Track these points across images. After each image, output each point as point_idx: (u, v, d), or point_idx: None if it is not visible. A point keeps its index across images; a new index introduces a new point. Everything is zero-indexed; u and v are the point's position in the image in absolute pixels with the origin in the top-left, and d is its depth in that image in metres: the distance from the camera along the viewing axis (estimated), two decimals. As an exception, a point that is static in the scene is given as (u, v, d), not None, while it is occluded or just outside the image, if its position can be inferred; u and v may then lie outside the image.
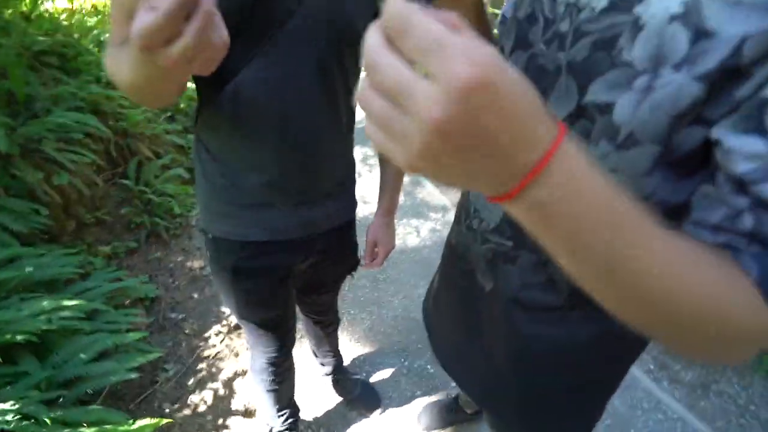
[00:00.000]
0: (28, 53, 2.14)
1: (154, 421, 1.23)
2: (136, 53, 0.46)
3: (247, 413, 1.59)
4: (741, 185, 0.35)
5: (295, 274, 1.03)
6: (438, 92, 0.21)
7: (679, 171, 0.42)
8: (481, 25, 0.63)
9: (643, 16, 0.38)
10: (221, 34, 0.44)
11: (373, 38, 0.24)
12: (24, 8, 2.47)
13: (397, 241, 1.19)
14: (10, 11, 2.34)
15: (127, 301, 1.86)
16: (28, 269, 1.55)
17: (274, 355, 1.16)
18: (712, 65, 0.34)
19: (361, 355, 1.83)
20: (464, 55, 0.21)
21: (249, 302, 1.02)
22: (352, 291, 2.12)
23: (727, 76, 0.34)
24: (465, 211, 0.69)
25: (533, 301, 0.62)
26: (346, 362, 1.69)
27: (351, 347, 1.85)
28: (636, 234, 0.30)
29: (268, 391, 1.28)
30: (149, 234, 2.31)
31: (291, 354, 1.25)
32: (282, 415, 1.36)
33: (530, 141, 0.25)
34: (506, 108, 0.23)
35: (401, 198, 1.38)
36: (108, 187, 2.39)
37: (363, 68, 0.25)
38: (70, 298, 1.50)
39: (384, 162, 1.08)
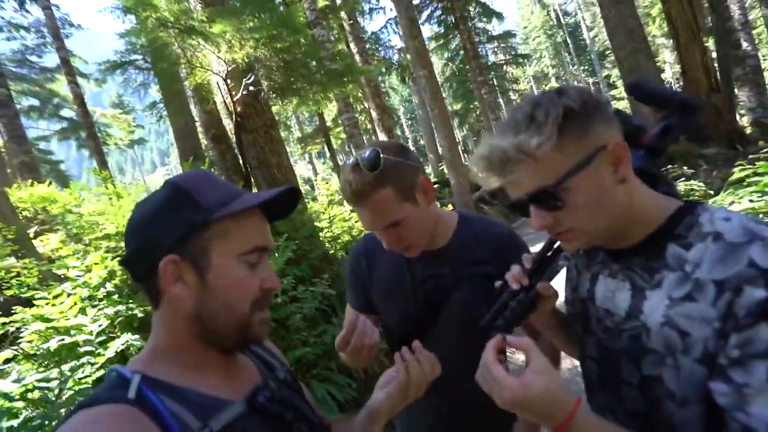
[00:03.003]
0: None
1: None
2: None
3: None
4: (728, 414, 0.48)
5: None
6: (500, 397, 0.57)
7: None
8: (560, 323, 0.83)
9: (646, 323, 0.57)
10: (372, 340, 0.83)
11: (488, 353, 0.61)
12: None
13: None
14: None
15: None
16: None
17: None
18: (698, 355, 0.51)
19: None
20: (502, 387, 0.56)
21: None
22: None
23: (709, 359, 0.50)
24: None
25: None
26: None
27: None
28: None
29: None
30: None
31: None
32: None
33: (552, 418, 0.54)
34: (531, 406, 0.54)
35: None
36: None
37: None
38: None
39: None
